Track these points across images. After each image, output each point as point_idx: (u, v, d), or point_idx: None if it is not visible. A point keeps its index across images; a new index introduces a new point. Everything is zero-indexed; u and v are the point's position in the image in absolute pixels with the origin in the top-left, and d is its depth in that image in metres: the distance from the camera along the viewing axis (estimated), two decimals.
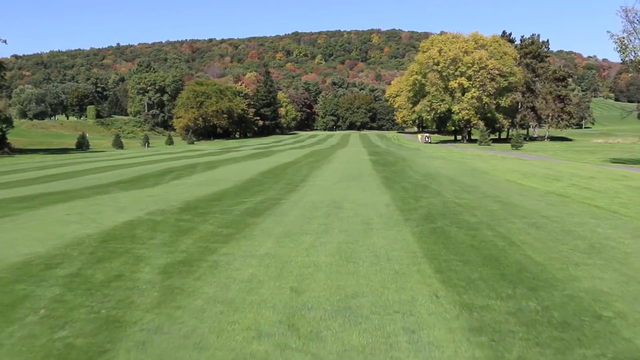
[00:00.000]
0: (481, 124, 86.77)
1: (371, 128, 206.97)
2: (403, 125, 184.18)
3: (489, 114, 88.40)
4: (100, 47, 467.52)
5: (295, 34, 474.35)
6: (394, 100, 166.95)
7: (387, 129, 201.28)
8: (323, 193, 15.82)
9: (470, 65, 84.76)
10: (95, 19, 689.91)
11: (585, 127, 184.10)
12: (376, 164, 29.52)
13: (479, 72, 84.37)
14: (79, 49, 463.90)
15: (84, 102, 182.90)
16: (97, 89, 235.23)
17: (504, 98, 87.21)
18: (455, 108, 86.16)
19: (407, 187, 17.57)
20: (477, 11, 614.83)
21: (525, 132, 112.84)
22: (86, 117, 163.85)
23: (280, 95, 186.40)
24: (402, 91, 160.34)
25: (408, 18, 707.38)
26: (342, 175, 22.12)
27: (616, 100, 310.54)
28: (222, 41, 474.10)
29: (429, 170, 24.39)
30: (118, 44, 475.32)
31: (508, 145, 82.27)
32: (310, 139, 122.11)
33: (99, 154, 58.66)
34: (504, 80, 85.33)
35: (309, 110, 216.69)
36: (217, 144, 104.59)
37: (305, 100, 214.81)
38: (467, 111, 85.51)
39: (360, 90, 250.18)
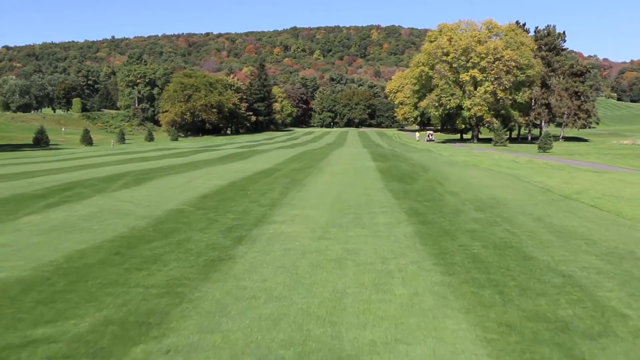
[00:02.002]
0: (495, 121, 77.66)
1: (370, 125, 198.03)
2: (403, 123, 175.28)
3: (502, 111, 79.28)
4: (95, 40, 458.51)
5: (294, 29, 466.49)
6: (394, 96, 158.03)
7: (387, 127, 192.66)
8: (290, 280, 6.81)
9: (484, 55, 75.64)
10: (91, 12, 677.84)
11: (590, 127, 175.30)
12: (387, 176, 20.50)
13: (493, 63, 75.21)
14: (73, 41, 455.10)
15: (71, 95, 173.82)
16: (89, 82, 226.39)
17: (521, 93, 78.03)
18: (466, 103, 76.89)
19: (469, 244, 8.60)
20: (477, 9, 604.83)
21: (537, 131, 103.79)
22: (72, 110, 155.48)
23: (276, 90, 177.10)
24: (403, 86, 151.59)
25: (408, 14, 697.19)
26: (335, 205, 13.17)
27: (619, 99, 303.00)
28: (219, 35, 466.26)
29: (478, 193, 15.38)
30: (113, 36, 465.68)
31: (527, 146, 73.47)
32: (305, 137, 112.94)
33: (45, 153, 49.49)
34: (521, 73, 76.16)
35: (305, 106, 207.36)
36: (201, 141, 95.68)
37: (302, 96, 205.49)
38: (479, 107, 76.31)
39: (359, 86, 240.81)
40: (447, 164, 28.66)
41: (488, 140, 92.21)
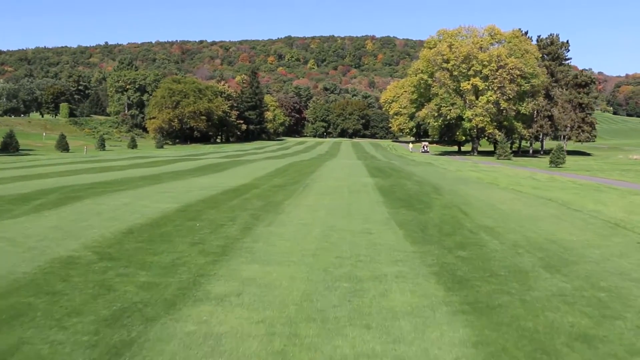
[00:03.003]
0: (498, 133, 73.26)
1: (364, 136, 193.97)
2: (398, 134, 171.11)
3: (505, 122, 74.86)
4: (88, 45, 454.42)
5: (288, 38, 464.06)
6: (389, 107, 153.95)
7: (381, 137, 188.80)
8: None
9: (487, 63, 71.34)
10: (84, 17, 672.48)
11: (593, 141, 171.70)
12: (391, 199, 15.85)
13: (496, 71, 70.89)
14: (65, 46, 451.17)
15: (59, 100, 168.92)
16: (79, 87, 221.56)
17: (525, 104, 73.64)
18: (467, 114, 72.36)
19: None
20: (474, 21, 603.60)
21: (539, 144, 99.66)
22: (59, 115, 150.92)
23: (268, 98, 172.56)
24: (399, 96, 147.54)
25: (403, 25, 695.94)
26: (320, 255, 8.43)
27: (614, 113, 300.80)
28: (213, 43, 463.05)
29: (525, 231, 10.73)
30: (106, 42, 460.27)
31: (533, 159, 69.11)
32: (297, 146, 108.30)
33: (3, 160, 44.51)
34: (526, 83, 71.85)
35: (298, 116, 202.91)
36: (187, 149, 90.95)
37: (295, 105, 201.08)
38: (481, 118, 71.83)
39: (352, 96, 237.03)
40: (459, 181, 24.07)
41: (488, 153, 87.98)
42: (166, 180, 21.55)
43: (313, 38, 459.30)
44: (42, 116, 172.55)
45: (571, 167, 46.49)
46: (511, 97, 71.77)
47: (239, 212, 12.60)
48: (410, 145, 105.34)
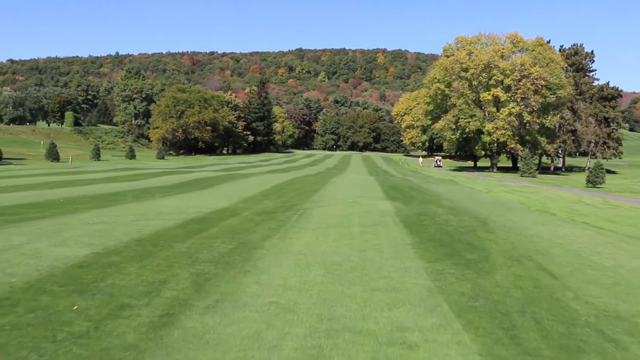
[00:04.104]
0: (520, 148, 67.63)
1: (374, 149, 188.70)
2: (410, 148, 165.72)
3: (527, 137, 69.29)
4: (99, 55, 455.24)
5: (299, 50, 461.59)
6: (401, 119, 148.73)
7: (392, 151, 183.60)
8: None
9: (509, 72, 65.99)
10: (96, 28, 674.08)
11: (620, 157, 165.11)
12: (424, 241, 10.59)
13: (519, 81, 65.44)
14: (76, 56, 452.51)
15: (66, 109, 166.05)
16: (88, 97, 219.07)
17: (550, 117, 68.08)
18: (488, 127, 66.85)
19: None
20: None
21: (557, 160, 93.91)
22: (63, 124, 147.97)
23: (277, 109, 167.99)
24: (411, 109, 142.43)
25: (415, 39, 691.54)
26: None
27: (631, 130, 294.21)
28: (224, 54, 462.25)
29: None
30: (117, 52, 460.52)
31: (559, 177, 63.51)
32: (304, 159, 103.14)
33: None
34: (551, 94, 66.36)
35: (307, 128, 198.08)
36: (189, 161, 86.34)
37: (304, 117, 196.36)
38: (503, 131, 66.32)
39: (363, 109, 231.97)
40: (500, 206, 18.84)
41: (507, 170, 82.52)
42: (121, 202, 16.50)
43: (324, 50, 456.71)
44: (49, 125, 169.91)
45: (610, 187, 41.01)
46: (535, 109, 66.25)
47: (176, 273, 7.45)
48: (420, 159, 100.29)
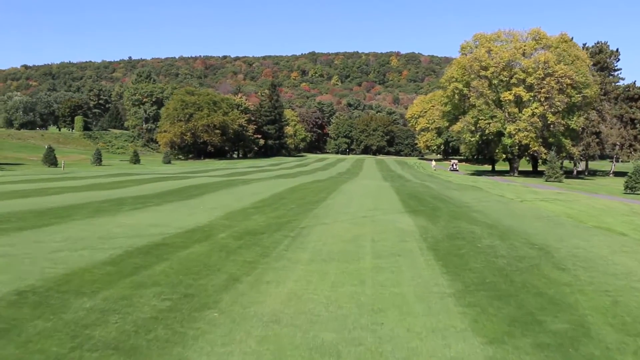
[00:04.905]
0: (544, 151, 63.42)
1: (388, 153, 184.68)
2: (425, 152, 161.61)
3: (551, 139, 65.03)
4: (112, 60, 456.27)
5: (312, 53, 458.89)
6: (416, 122, 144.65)
7: (406, 155, 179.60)
8: None
9: (532, 70, 61.85)
10: (109, 33, 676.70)
11: (621, 161, 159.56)
12: (471, 291, 6.97)
13: (543, 80, 61.28)
14: (90, 61, 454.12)
15: (76, 113, 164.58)
16: (100, 101, 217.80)
17: (575, 118, 63.83)
18: (509, 128, 62.68)
19: None
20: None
21: (579, 164, 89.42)
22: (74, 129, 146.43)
23: (289, 113, 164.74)
24: (426, 111, 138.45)
25: (428, 42, 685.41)
26: None
27: None
28: (237, 58, 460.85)
29: None
30: (130, 57, 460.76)
31: (585, 182, 59.27)
32: (316, 163, 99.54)
33: None
34: (577, 93, 62.12)
35: (320, 131, 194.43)
36: (196, 165, 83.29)
37: (317, 120, 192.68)
38: (525, 133, 62.13)
39: (377, 112, 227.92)
40: (548, 223, 15.10)
41: (528, 174, 78.31)
42: (69, 219, 12.99)
43: (337, 54, 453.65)
44: (60, 130, 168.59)
45: None
46: (560, 109, 62.02)
47: None
48: (433, 162, 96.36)
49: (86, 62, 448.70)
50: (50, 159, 60.39)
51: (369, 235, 11.42)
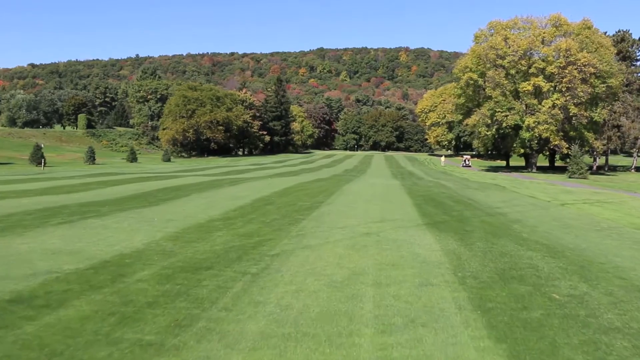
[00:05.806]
0: (565, 145, 58.93)
1: (397, 149, 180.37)
2: (435, 147, 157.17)
3: (572, 132, 60.53)
4: (119, 58, 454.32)
5: (320, 49, 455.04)
6: (426, 117, 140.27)
7: (416, 151, 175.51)
8: None
9: (552, 59, 57.39)
10: (116, 31, 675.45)
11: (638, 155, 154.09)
12: None
13: (565, 69, 56.85)
14: (97, 59, 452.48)
15: (80, 111, 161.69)
16: (106, 99, 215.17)
17: (599, 109, 59.27)
18: (528, 121, 58.15)
19: None
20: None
21: (600, 159, 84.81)
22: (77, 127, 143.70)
23: (295, 109, 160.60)
24: (436, 106, 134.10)
25: (438, 37, 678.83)
26: None
27: None
28: (244, 55, 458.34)
29: None
30: (137, 55, 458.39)
31: (613, 178, 54.80)
32: (322, 160, 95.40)
33: None
34: (601, 83, 57.62)
35: (328, 127, 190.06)
36: (198, 163, 79.90)
37: (325, 116, 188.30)
38: (546, 126, 57.63)
39: (386, 108, 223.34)
40: (622, 241, 11.00)
41: (546, 169, 73.83)
42: None
43: (345, 50, 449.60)
44: (64, 128, 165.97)
45: None
46: (583, 100, 57.49)
47: None
48: (443, 158, 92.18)
49: (93, 60, 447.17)
50: (37, 158, 56.73)
51: (372, 272, 7.37)
